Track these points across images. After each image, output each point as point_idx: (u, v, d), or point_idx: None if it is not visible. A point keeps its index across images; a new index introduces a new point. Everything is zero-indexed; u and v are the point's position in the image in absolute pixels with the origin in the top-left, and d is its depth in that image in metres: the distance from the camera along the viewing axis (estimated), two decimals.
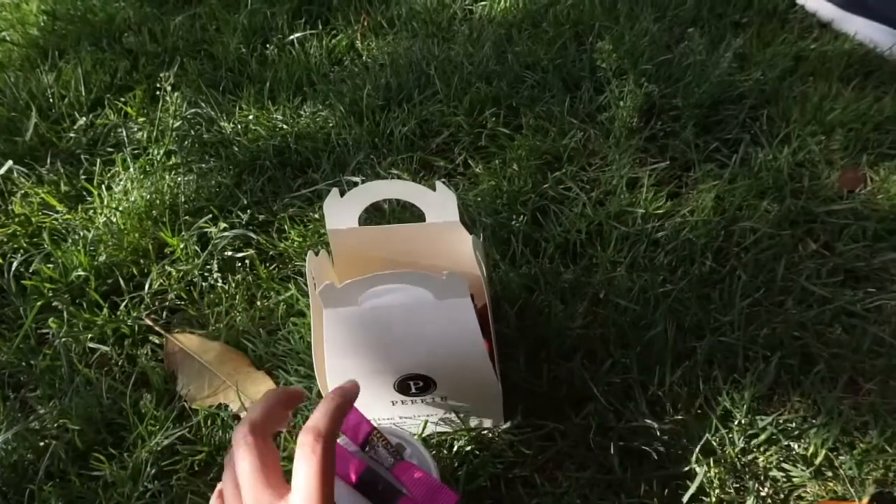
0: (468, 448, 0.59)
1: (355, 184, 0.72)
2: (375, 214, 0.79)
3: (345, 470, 0.47)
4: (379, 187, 0.56)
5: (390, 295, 0.55)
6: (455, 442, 0.60)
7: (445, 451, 0.59)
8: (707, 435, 0.59)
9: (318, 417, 0.41)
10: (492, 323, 0.58)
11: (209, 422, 0.65)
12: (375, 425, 0.49)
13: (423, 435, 0.60)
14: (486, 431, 0.61)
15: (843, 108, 0.84)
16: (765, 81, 0.89)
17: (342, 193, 0.56)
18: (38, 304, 0.71)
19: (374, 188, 0.56)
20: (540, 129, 0.86)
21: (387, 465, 0.48)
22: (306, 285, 0.73)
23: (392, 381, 0.55)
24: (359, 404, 0.57)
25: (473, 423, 0.60)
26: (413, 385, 0.55)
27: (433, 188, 0.55)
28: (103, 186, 0.85)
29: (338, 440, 0.46)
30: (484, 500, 0.57)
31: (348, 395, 0.44)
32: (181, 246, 0.77)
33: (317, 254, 0.58)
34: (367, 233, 0.59)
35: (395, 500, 0.46)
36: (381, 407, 0.58)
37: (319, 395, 0.62)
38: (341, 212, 0.57)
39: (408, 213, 0.78)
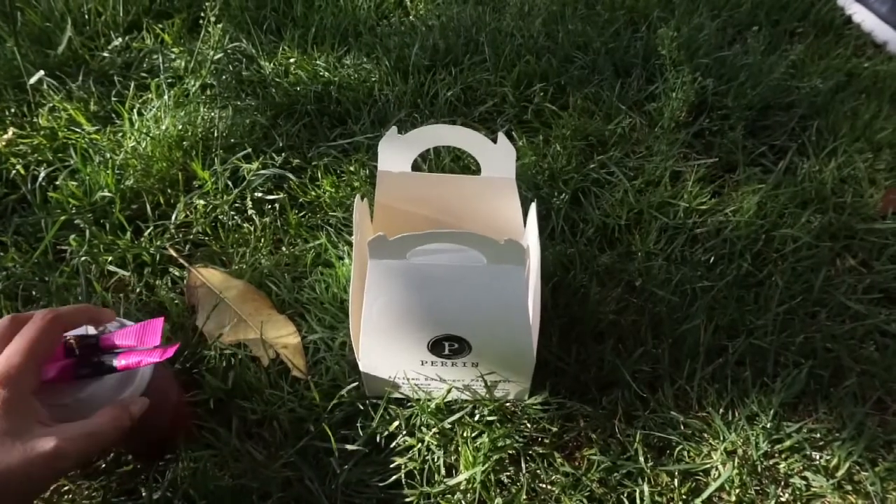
0: (490, 418, 0.58)
1: None
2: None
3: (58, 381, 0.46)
4: (439, 131, 0.54)
5: (438, 255, 0.54)
6: (477, 410, 0.59)
7: (467, 417, 0.58)
8: (732, 434, 0.58)
9: (63, 307, 0.45)
10: (539, 296, 0.57)
11: (225, 360, 0.63)
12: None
13: (447, 400, 0.59)
14: (509, 404, 0.60)
15: (893, 128, 0.83)
16: (816, 93, 0.87)
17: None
18: (62, 219, 0.69)
19: (434, 132, 0.54)
20: (586, 110, 0.85)
21: (96, 346, 0.47)
22: (336, 235, 0.71)
23: (427, 339, 0.53)
24: (388, 360, 0.55)
25: (499, 393, 0.59)
26: (448, 346, 0.54)
27: (495, 141, 0.53)
28: (134, 111, 0.82)
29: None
30: (501, 473, 0.56)
31: (106, 313, 0.48)
32: (212, 180, 0.74)
33: (362, 198, 0.56)
34: (417, 179, 0.57)
35: (111, 358, 0.46)
36: (409, 365, 0.56)
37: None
38: (395, 153, 0.55)
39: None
